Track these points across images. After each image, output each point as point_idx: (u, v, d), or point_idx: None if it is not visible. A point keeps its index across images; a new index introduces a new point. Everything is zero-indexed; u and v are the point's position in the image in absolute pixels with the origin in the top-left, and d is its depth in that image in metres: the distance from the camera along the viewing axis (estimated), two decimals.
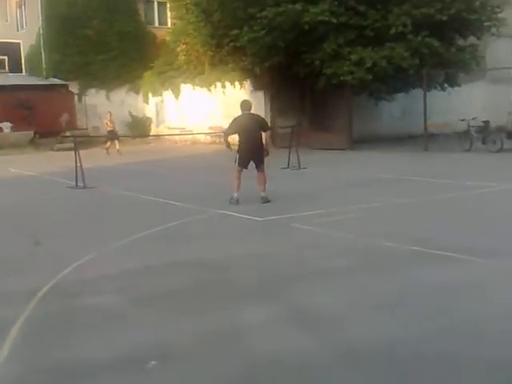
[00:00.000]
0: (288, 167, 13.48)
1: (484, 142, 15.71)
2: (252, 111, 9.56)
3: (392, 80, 18.37)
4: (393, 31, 17.38)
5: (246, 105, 9.35)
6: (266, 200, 8.95)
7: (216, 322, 4.05)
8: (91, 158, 17.14)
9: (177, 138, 23.47)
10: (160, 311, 4.33)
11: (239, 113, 9.39)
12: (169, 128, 25.31)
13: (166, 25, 28.43)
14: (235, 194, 8.94)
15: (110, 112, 21.23)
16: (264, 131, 9.12)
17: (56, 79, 25.72)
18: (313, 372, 3.27)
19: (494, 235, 6.29)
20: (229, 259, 5.78)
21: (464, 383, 3.14)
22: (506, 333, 3.67)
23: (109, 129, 20.39)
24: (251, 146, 9.01)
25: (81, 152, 11.50)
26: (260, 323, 4.02)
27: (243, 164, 9.11)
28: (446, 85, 20.03)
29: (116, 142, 19.90)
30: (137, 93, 27.54)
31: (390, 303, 4.29)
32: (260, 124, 9.20)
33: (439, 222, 7.19)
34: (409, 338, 3.67)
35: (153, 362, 3.41)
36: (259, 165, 9.09)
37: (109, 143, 19.91)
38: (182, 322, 4.11)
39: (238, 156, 9.09)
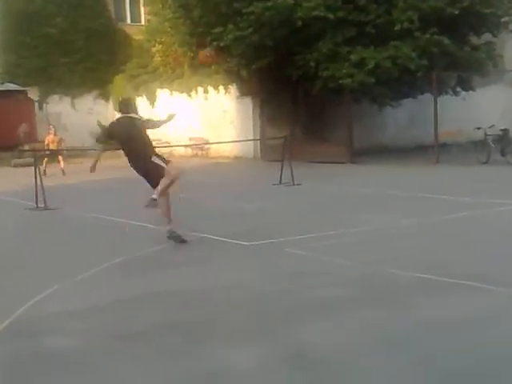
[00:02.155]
0: (280, 183, 13.56)
1: (503, 154, 15.87)
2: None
3: (397, 83, 18.54)
4: (397, 28, 17.56)
5: (121, 105, 8.30)
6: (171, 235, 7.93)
7: (197, 367, 4.02)
8: (54, 175, 17.17)
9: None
10: (131, 355, 4.31)
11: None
12: None
13: (140, 22, 28.62)
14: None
15: (53, 127, 20.62)
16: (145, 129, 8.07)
17: (13, 84, 25.69)
18: None
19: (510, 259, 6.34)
20: (212, 291, 5.77)
21: None
22: None
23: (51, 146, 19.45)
24: (138, 159, 7.96)
25: (42, 168, 11.49)
26: (249, 367, 3.99)
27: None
28: (458, 89, 20.25)
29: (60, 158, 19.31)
30: (106, 100, 27.59)
31: (398, 341, 4.30)
32: (140, 126, 8.09)
33: (451, 246, 7.24)
34: (421, 382, 3.68)
35: None
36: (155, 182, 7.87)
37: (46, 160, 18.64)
38: (156, 366, 4.09)
39: None
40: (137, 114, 8.36)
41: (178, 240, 7.90)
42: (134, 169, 8.08)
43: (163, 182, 7.78)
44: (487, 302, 5.06)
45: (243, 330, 4.74)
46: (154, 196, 7.72)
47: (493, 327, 4.50)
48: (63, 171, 18.62)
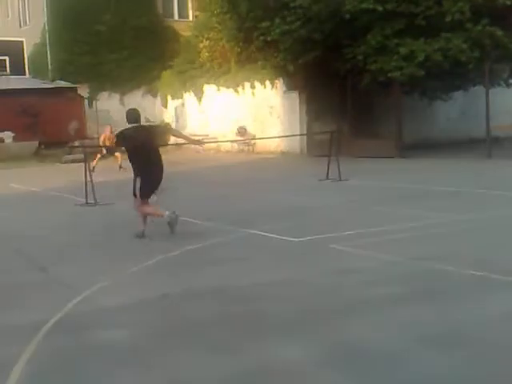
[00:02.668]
0: (327, 179, 13.49)
1: None
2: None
3: (448, 76, 18.23)
4: (448, 19, 17.27)
5: (132, 115, 8.46)
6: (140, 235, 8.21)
7: (244, 362, 4.05)
8: (104, 171, 17.45)
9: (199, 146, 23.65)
10: (179, 348, 4.36)
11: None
12: (190, 135, 25.49)
13: (187, 18, 28.85)
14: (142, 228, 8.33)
15: (110, 125, 20.92)
16: (165, 135, 8.59)
17: (63, 82, 26.22)
18: None
19: None
20: (258, 287, 5.78)
21: None
22: None
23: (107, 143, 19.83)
24: (155, 167, 8.28)
25: (92, 164, 11.69)
26: (296, 363, 4.00)
27: (148, 194, 8.33)
28: (511, 81, 19.79)
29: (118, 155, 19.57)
30: (154, 96, 27.89)
31: (450, 339, 4.24)
32: (156, 135, 8.70)
33: (505, 243, 7.08)
34: (476, 380, 3.62)
35: None
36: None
37: (98, 156, 18.82)
38: (207, 360, 4.12)
39: (139, 185, 8.24)
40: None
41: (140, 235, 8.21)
42: (151, 179, 8.24)
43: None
44: None
45: (292, 325, 4.73)
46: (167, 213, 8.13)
47: None
48: (121, 167, 18.83)
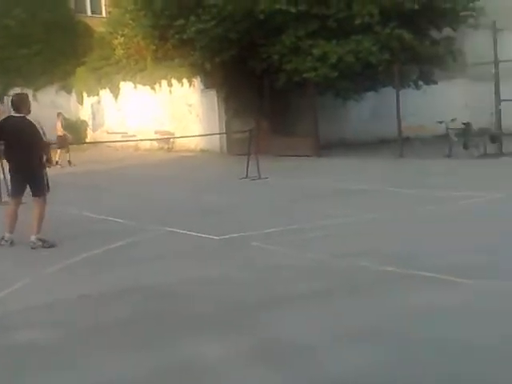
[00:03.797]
0: (246, 177, 13.52)
1: (465, 147, 16.08)
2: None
3: (360, 77, 18.64)
4: (358, 22, 17.65)
5: (13, 103, 7.77)
6: (36, 245, 7.47)
7: (167, 360, 4.00)
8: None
9: (117, 144, 23.23)
10: (106, 346, 4.28)
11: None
12: (108, 133, 25.06)
13: (100, 14, 28.23)
14: (7, 235, 7.68)
15: (61, 113, 20.79)
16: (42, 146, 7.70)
17: None
18: None
19: (480, 252, 6.41)
20: (180, 285, 5.74)
21: None
22: (504, 361, 3.74)
23: (58, 133, 19.75)
24: (26, 161, 7.60)
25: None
26: (220, 359, 3.99)
27: (15, 195, 7.77)
28: (420, 82, 20.44)
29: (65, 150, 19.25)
30: (69, 92, 27.20)
31: (369, 332, 4.33)
32: (37, 134, 7.69)
33: (419, 239, 7.30)
34: (393, 370, 3.70)
35: None
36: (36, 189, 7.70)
37: (59, 152, 19.06)
38: (130, 357, 4.06)
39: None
40: (29, 112, 7.83)
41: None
42: (17, 179, 7.70)
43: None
44: (454, 294, 5.11)
45: (215, 322, 4.73)
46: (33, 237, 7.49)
47: (460, 319, 4.54)
48: (57, 162, 18.26)
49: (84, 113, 26.88)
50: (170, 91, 22.70)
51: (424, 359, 3.83)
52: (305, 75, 17.79)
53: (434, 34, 20.16)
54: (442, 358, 3.82)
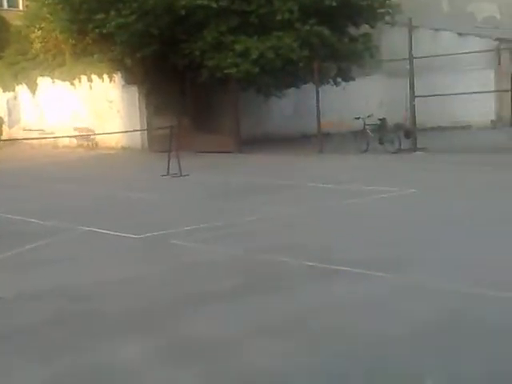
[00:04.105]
0: (168, 174, 13.41)
1: (381, 142, 16.50)
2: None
3: (281, 73, 18.78)
4: (279, 18, 17.80)
5: None
6: None
7: (82, 362, 3.93)
8: None
9: (35, 141, 22.55)
10: (12, 354, 4.14)
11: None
12: (25, 130, 24.30)
13: (17, 7, 27.36)
14: None
15: None
16: None
17: None
18: None
19: (394, 245, 6.59)
20: (96, 286, 5.63)
21: None
22: (413, 353, 3.87)
23: None
24: None
25: None
26: (135, 361, 3.93)
27: None
28: (339, 79, 20.80)
29: None
30: None
31: (286, 327, 4.38)
32: None
33: (336, 233, 7.45)
34: (309, 363, 3.76)
35: None
36: None
37: None
38: (41, 359, 3.97)
39: None
40: None
41: None
42: None
43: None
44: (371, 287, 5.23)
45: (130, 322, 4.66)
46: None
47: (373, 311, 4.66)
48: None
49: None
50: (90, 87, 22.22)
51: (337, 351, 3.90)
52: (226, 71, 17.78)
53: (353, 30, 20.54)
54: (355, 350, 3.91)
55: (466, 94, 18.18)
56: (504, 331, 4.11)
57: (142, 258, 6.74)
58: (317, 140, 17.77)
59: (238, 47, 17.68)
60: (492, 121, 23.12)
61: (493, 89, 22.19)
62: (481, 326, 4.19)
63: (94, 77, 21.92)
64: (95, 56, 20.91)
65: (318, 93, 17.93)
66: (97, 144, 22.06)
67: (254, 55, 17.51)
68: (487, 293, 4.83)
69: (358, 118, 17.06)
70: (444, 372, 3.57)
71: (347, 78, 20.84)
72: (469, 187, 10.30)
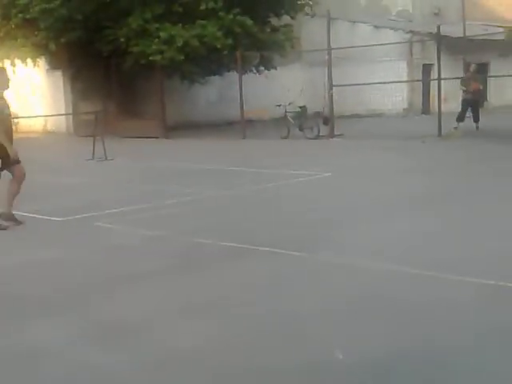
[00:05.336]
0: (93, 159, 13.14)
1: (301, 129, 16.72)
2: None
3: (205, 61, 18.73)
4: (203, 7, 17.69)
5: None
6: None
7: (5, 342, 3.84)
8: None
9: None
10: None
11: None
12: None
13: None
14: None
15: None
16: None
17: None
18: None
19: (311, 226, 6.71)
20: (15, 269, 5.48)
21: None
22: (323, 330, 3.96)
23: None
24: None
25: None
26: (56, 342, 3.85)
27: None
28: (261, 68, 20.90)
29: None
30: None
31: (205, 307, 4.38)
32: None
33: (255, 216, 7.51)
34: (226, 343, 3.78)
35: None
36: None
37: None
38: None
39: None
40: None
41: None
42: None
43: None
44: (287, 266, 5.31)
45: (51, 306, 4.55)
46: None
47: (288, 288, 4.73)
48: None
49: None
50: (14, 71, 21.38)
51: (258, 330, 3.93)
52: (151, 58, 17.60)
53: (274, 21, 20.66)
54: (273, 328, 3.95)
55: (381, 84, 18.61)
56: (414, 308, 4.25)
57: (64, 240, 6.59)
58: (240, 126, 17.81)
59: (163, 34, 17.51)
60: (404, 109, 23.79)
61: (405, 79, 22.79)
62: (391, 304, 4.28)
63: (18, 61, 21.14)
64: (18, 40, 20.17)
65: (241, 80, 17.98)
66: (20, 128, 21.27)
67: (179, 43, 17.38)
68: (399, 269, 4.98)
69: (279, 106, 17.20)
70: (353, 346, 3.67)
71: (269, 66, 20.95)
72: (380, 170, 10.60)
